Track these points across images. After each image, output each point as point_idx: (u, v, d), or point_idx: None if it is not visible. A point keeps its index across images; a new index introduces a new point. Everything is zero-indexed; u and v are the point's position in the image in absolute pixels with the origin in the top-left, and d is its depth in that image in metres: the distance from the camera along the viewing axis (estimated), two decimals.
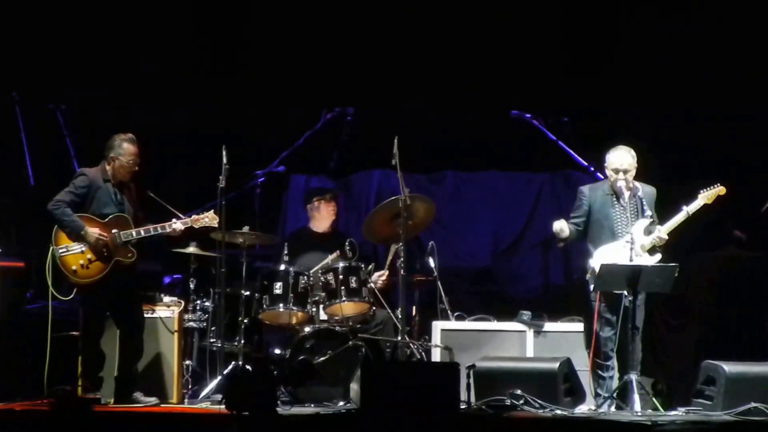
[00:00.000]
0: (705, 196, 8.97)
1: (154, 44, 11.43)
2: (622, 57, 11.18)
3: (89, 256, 9.04)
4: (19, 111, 11.00)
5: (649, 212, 8.92)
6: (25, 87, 11.08)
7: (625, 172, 8.96)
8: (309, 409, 8.91)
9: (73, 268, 9.02)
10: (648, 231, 8.91)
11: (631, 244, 8.77)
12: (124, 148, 9.15)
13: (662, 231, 8.89)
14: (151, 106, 11.18)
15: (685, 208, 8.96)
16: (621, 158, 8.99)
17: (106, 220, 9.09)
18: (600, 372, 8.99)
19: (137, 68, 11.38)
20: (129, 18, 11.47)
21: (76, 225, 8.98)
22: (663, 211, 9.08)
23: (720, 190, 8.98)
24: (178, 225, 9.16)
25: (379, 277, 9.93)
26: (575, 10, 11.38)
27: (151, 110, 11.15)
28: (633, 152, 9.01)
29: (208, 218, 9.29)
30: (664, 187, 9.21)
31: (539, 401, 8.67)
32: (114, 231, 9.05)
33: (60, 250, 9.01)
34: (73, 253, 9.03)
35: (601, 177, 9.70)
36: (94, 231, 9.01)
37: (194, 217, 9.26)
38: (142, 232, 9.10)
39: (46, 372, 9.01)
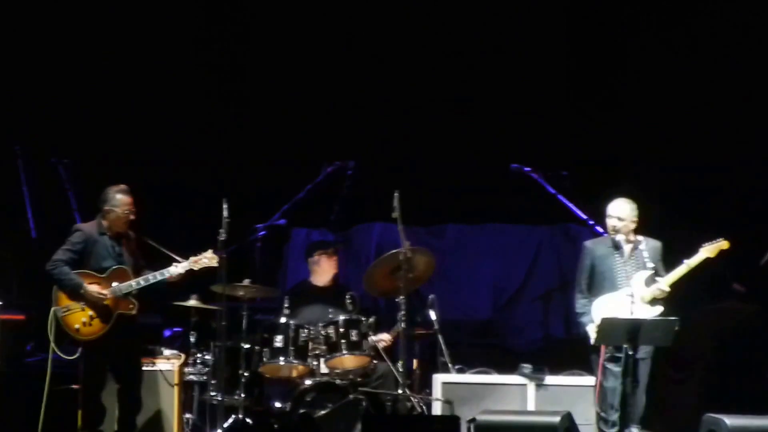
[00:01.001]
0: (707, 250, 9.00)
1: (156, 99, 11.52)
2: (624, 111, 11.27)
3: (90, 313, 9.01)
4: (21, 164, 11.05)
5: (650, 264, 8.95)
6: (27, 141, 11.14)
7: (620, 219, 9.02)
8: None
9: (76, 327, 8.99)
10: (649, 283, 8.94)
11: (632, 297, 8.79)
12: (118, 199, 9.16)
13: (663, 283, 8.92)
14: (152, 161, 11.24)
15: (686, 261, 8.99)
16: (618, 206, 9.09)
17: (105, 274, 9.07)
18: (603, 427, 8.97)
19: (139, 123, 11.46)
20: (131, 73, 11.58)
21: (74, 283, 8.97)
22: (664, 262, 9.12)
23: (722, 244, 9.01)
24: (177, 268, 9.12)
25: (382, 341, 9.93)
26: (577, 66, 11.49)
27: (153, 165, 11.21)
28: (633, 205, 9.06)
29: (207, 258, 9.23)
30: (664, 238, 9.24)
31: None
32: (114, 284, 9.04)
33: (61, 311, 8.99)
34: (74, 312, 9.00)
35: (600, 230, 9.75)
36: (93, 289, 8.99)
37: (193, 258, 9.23)
38: (142, 282, 9.09)
39: (40, 425, 8.97)
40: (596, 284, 9.09)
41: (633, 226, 9.06)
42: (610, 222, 9.05)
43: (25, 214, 10.96)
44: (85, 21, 11.57)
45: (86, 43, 11.54)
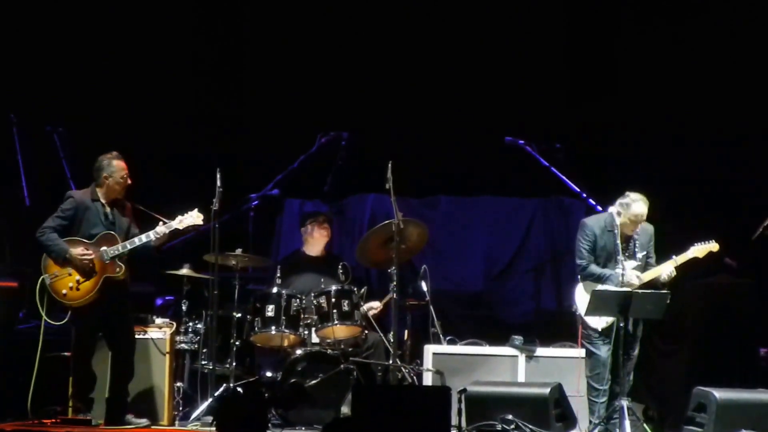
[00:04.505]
0: (697, 250, 9.02)
1: (151, 68, 11.50)
2: (619, 84, 11.26)
3: (77, 278, 9.04)
4: (16, 132, 11.04)
5: (640, 255, 8.96)
6: (22, 109, 11.13)
7: (644, 220, 9.00)
8: None
9: (63, 291, 9.02)
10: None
11: (622, 269, 8.81)
12: (115, 165, 9.17)
13: (642, 276, 8.93)
14: (146, 129, 11.23)
15: (674, 257, 9.00)
16: (643, 210, 8.97)
17: (94, 240, 9.09)
18: (592, 398, 9.01)
19: (134, 91, 11.44)
20: (127, 41, 11.55)
21: (60, 249, 8.99)
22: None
23: (712, 246, 9.02)
24: (162, 228, 9.09)
25: (372, 308, 9.94)
26: (575, 40, 11.47)
27: (148, 133, 11.20)
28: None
29: (192, 216, 9.22)
30: (657, 216, 9.25)
31: (530, 426, 8.70)
32: (102, 248, 9.06)
33: (49, 278, 9.01)
34: (61, 278, 9.02)
35: (593, 203, 9.75)
36: (78, 251, 9.02)
37: (179, 218, 9.21)
38: (128, 245, 9.08)
39: (30, 393, 9.01)
40: (596, 261, 9.09)
41: None
42: (631, 224, 8.94)
43: (20, 182, 10.95)
44: None
45: (81, 12, 11.49)
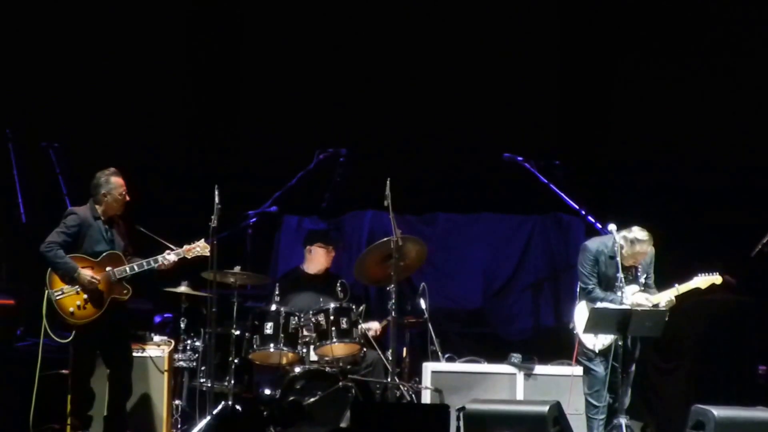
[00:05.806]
0: (700, 281, 9.04)
1: (148, 83, 11.51)
2: (616, 100, 11.30)
3: (84, 296, 9.00)
4: (12, 148, 11.02)
5: (642, 279, 8.98)
6: (17, 125, 11.12)
7: (641, 259, 9.03)
8: None
9: (71, 310, 8.97)
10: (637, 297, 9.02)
11: (621, 287, 8.81)
12: (113, 182, 9.14)
13: (651, 299, 8.95)
14: (144, 146, 11.23)
15: (677, 285, 9.03)
16: (646, 250, 8.98)
17: (99, 258, 9.07)
18: (591, 415, 9.01)
19: (131, 107, 11.45)
20: (123, 57, 11.56)
21: (68, 267, 8.95)
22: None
23: (715, 279, 9.05)
24: (171, 256, 9.12)
25: (371, 329, 9.93)
26: (570, 54, 11.51)
27: (144, 150, 11.19)
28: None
29: (200, 247, 9.22)
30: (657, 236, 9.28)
31: None
32: (108, 269, 9.03)
33: (56, 294, 8.97)
34: (68, 295, 8.98)
35: (592, 220, 9.75)
36: (86, 273, 8.98)
37: (186, 247, 9.21)
38: (136, 268, 9.07)
39: (32, 411, 8.97)
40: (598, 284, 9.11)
41: None
42: (634, 258, 8.95)
43: (16, 198, 10.93)
44: (76, 5, 11.54)
45: (77, 27, 11.51)
